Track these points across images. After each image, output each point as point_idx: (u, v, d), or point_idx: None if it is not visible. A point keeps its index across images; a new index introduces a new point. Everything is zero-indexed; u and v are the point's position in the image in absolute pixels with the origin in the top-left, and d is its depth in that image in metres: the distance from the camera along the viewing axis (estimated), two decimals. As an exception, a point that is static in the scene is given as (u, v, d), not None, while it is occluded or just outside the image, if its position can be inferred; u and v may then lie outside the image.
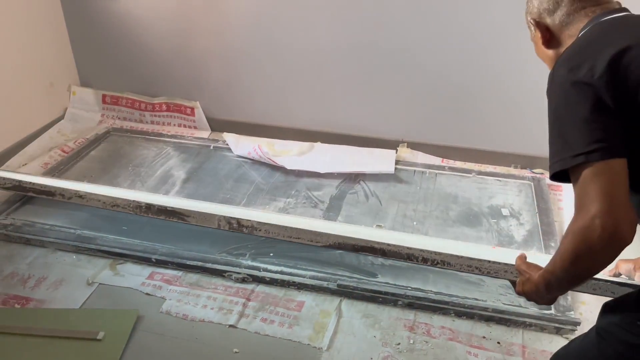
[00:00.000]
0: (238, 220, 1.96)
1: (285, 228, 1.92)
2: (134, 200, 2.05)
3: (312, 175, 2.60)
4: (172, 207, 2.02)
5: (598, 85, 0.91)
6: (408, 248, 1.81)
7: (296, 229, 1.91)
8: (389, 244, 1.83)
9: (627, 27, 1.01)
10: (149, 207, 2.02)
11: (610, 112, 0.91)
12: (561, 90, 0.97)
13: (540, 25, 1.16)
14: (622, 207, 0.88)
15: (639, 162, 0.92)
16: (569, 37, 1.11)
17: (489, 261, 1.73)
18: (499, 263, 1.72)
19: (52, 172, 2.59)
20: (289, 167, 2.62)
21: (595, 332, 1.08)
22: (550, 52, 1.16)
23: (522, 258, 1.18)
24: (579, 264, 0.92)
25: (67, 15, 3.00)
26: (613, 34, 1.00)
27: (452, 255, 1.78)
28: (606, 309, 1.08)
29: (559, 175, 0.96)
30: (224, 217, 1.97)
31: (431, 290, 1.90)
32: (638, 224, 0.95)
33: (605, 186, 0.88)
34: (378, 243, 1.84)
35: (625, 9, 1.09)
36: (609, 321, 1.05)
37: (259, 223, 1.94)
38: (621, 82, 0.91)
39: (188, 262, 2.02)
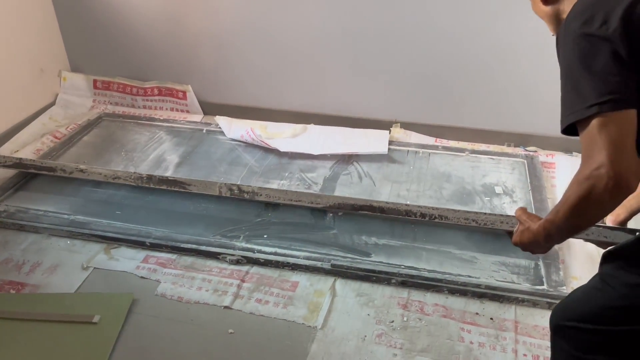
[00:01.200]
0: (239, 187, 2.08)
1: (286, 192, 2.04)
2: (134, 172, 2.14)
3: (305, 157, 2.60)
4: (173, 177, 2.12)
5: (612, 38, 0.91)
6: (406, 205, 1.93)
7: (296, 192, 2.04)
8: (387, 202, 1.94)
9: None
10: (150, 178, 2.11)
11: (624, 64, 0.91)
12: (574, 43, 0.96)
13: None
14: (629, 157, 0.89)
15: None
16: None
17: (485, 213, 1.85)
18: (495, 214, 1.81)
19: (45, 158, 2.58)
20: (282, 150, 2.61)
21: (599, 278, 1.09)
22: (548, 9, 1.15)
23: (523, 209, 1.20)
24: (581, 212, 0.93)
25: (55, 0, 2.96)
26: None
27: (448, 210, 1.90)
28: (608, 256, 1.11)
29: (571, 128, 0.97)
30: (225, 184, 2.08)
31: (424, 268, 1.91)
32: None
33: (614, 136, 0.89)
34: (377, 202, 1.95)
35: None
36: (613, 266, 1.07)
37: (260, 188, 2.07)
38: (635, 34, 0.91)
39: (182, 245, 2.02)
